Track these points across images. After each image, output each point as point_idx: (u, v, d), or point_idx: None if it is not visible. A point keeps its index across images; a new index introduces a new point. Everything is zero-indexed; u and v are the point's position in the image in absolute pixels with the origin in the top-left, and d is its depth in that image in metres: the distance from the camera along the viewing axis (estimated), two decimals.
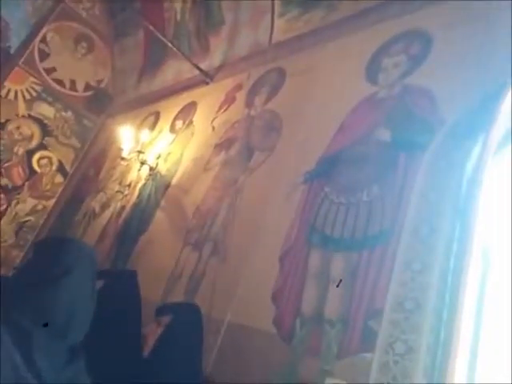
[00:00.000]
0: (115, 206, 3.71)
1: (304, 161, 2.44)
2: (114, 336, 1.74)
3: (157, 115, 4.17)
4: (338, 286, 1.83)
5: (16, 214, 4.24)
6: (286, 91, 2.98)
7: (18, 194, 4.31)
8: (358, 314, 1.74)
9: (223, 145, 3.16)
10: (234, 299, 2.21)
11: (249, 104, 3.20)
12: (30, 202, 4.33)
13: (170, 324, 1.75)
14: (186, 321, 1.78)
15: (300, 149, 2.54)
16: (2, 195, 4.21)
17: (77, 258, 1.13)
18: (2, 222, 4.12)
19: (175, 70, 4.29)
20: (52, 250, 1.14)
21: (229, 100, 3.41)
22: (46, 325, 1.01)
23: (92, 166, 4.56)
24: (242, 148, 2.99)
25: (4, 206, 4.20)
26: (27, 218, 4.26)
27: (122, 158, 3.66)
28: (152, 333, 1.78)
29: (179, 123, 3.78)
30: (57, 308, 1.03)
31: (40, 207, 4.35)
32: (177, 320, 1.76)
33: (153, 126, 4.04)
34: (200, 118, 3.62)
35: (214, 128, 3.39)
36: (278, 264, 2.14)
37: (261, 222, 2.41)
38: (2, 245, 3.84)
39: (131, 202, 3.55)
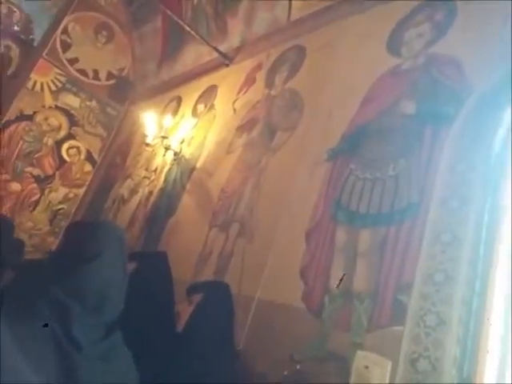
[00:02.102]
0: (143, 191, 3.79)
1: (327, 138, 2.42)
2: (148, 314, 1.81)
3: (179, 100, 4.20)
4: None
5: (49, 202, 4.40)
6: (306, 69, 2.94)
7: (50, 183, 4.46)
8: (387, 288, 1.73)
9: (245, 126, 3.17)
10: (263, 277, 2.24)
11: (269, 84, 3.18)
12: (62, 191, 4.48)
13: (202, 301, 1.80)
14: (217, 298, 1.83)
15: (323, 126, 2.52)
16: (35, 185, 4.37)
17: (106, 240, 1.17)
18: (36, 210, 4.30)
19: (194, 54, 4.29)
20: (82, 233, 1.19)
21: (249, 81, 3.40)
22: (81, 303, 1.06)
23: (118, 153, 4.66)
24: (263, 129, 2.99)
25: (37, 196, 4.37)
26: (60, 206, 4.42)
27: (147, 144, 3.72)
28: (184, 310, 1.84)
29: (201, 107, 3.80)
30: (91, 287, 1.08)
31: (71, 195, 4.50)
32: (208, 297, 1.81)
33: (175, 111, 4.08)
34: (221, 100, 3.63)
35: (235, 110, 3.39)
36: (304, 241, 2.15)
37: (286, 201, 2.42)
38: (38, 232, 4.00)
39: (158, 187, 3.62)
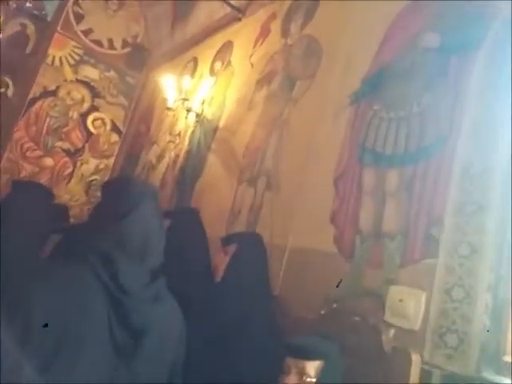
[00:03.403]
0: (169, 155, 3.86)
1: (348, 82, 2.37)
2: (187, 267, 1.91)
3: (195, 61, 4.16)
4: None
5: (82, 174, 4.57)
6: (322, 13, 2.84)
7: (80, 155, 4.60)
8: (417, 223, 1.74)
9: (264, 80, 3.13)
10: (294, 225, 2.29)
11: (285, 33, 3.10)
12: (93, 162, 4.63)
13: (236, 251, 1.87)
14: (251, 246, 1.90)
15: (343, 70, 2.46)
16: (67, 158, 4.53)
17: (141, 193, 1.24)
18: (71, 183, 4.48)
19: (206, 11, 4.20)
20: (117, 189, 1.26)
21: (264, 32, 3.32)
22: (124, 253, 1.13)
23: (142, 121, 4.72)
24: (283, 80, 2.95)
25: (70, 169, 4.53)
26: (93, 178, 4.58)
27: (168, 109, 3.75)
28: (221, 261, 1.92)
29: (218, 65, 3.76)
30: (131, 238, 1.15)
31: (102, 166, 4.64)
32: (242, 247, 1.88)
33: (193, 73, 4.06)
34: (238, 56, 3.58)
35: (252, 64, 3.34)
36: (332, 186, 2.17)
37: (311, 149, 2.42)
38: (75, 203, 4.19)
39: (183, 150, 3.67)
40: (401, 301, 1.64)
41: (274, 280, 2.12)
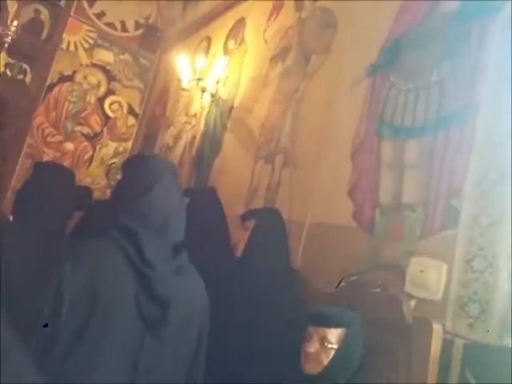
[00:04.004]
0: (186, 136, 3.88)
1: (364, 54, 2.32)
2: (207, 243, 1.94)
3: (208, 40, 4.13)
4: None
5: (102, 158, 4.65)
6: None
7: (99, 139, 4.67)
8: (438, 195, 1.73)
9: (278, 56, 3.09)
10: (312, 201, 2.30)
11: (298, 6, 3.04)
12: (112, 146, 4.70)
13: (256, 227, 1.90)
14: (269, 221, 1.92)
15: (358, 42, 2.41)
16: (87, 142, 4.60)
17: (161, 169, 1.26)
18: (92, 166, 4.57)
19: None
20: (139, 165, 1.28)
21: (277, 7, 3.26)
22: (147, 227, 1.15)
23: (158, 103, 4.74)
24: (297, 55, 2.91)
25: (90, 153, 4.62)
26: (112, 161, 4.65)
27: (183, 89, 3.75)
28: (240, 237, 1.95)
29: (231, 43, 3.73)
30: (153, 212, 1.18)
31: (121, 149, 4.70)
32: (261, 222, 1.90)
33: (207, 52, 4.03)
34: (251, 33, 3.53)
35: (266, 41, 3.30)
36: (350, 161, 2.16)
37: (327, 124, 2.40)
38: (97, 186, 4.27)
39: (200, 131, 3.69)
40: (422, 272, 1.64)
41: (294, 255, 2.14)
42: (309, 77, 2.72)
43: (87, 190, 2.29)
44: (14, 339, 0.77)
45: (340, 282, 1.90)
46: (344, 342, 1.31)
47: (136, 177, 1.23)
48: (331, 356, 1.30)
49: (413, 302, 1.61)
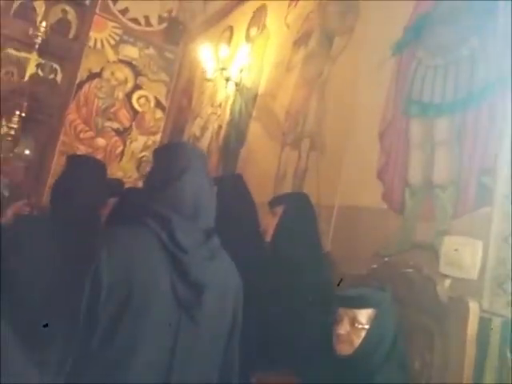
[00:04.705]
0: (212, 126, 3.92)
1: (389, 32, 2.26)
2: (236, 230, 1.96)
3: (230, 29, 4.13)
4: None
5: (132, 152, 4.76)
6: None
7: (129, 134, 4.78)
8: (470, 172, 1.68)
9: (301, 40, 3.06)
10: (340, 184, 2.28)
11: None
12: (141, 140, 4.80)
13: (284, 211, 1.90)
14: (298, 205, 1.92)
15: (382, 22, 2.35)
16: (117, 137, 4.73)
17: (190, 156, 1.27)
18: (123, 161, 4.70)
19: None
20: (169, 153, 1.30)
21: None
22: (178, 213, 1.18)
23: (183, 95, 4.80)
24: (320, 38, 2.87)
25: (121, 147, 4.74)
26: (142, 154, 4.76)
27: (208, 80, 3.77)
28: (270, 222, 1.96)
29: (253, 31, 3.71)
30: (184, 198, 1.19)
31: (150, 142, 4.80)
32: (289, 207, 1.91)
33: (229, 41, 4.04)
34: (272, 19, 3.50)
35: (288, 26, 3.26)
36: (378, 142, 2.12)
37: (353, 106, 2.36)
38: (129, 180, 4.37)
39: (225, 120, 3.71)
40: (456, 251, 1.61)
41: (324, 239, 2.14)
42: (332, 59, 2.68)
43: (119, 181, 2.36)
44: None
45: (371, 264, 1.89)
46: (374, 322, 1.31)
47: (167, 164, 1.24)
48: (362, 337, 1.30)
49: (447, 282, 1.58)
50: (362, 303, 1.32)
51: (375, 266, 1.86)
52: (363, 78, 2.37)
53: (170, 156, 1.26)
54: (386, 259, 1.83)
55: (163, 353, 1.10)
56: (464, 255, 1.58)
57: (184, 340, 1.12)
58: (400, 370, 1.33)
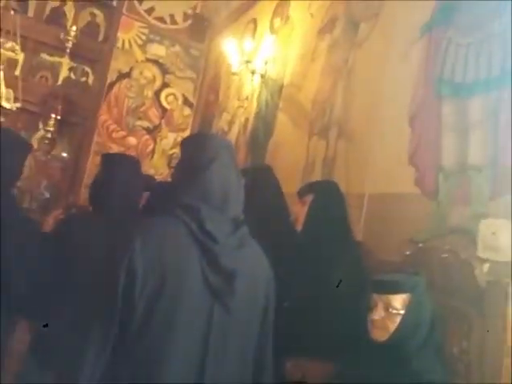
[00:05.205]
0: (239, 120, 3.94)
1: (417, 15, 2.20)
2: (266, 221, 1.96)
3: (254, 22, 4.12)
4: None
5: (163, 149, 4.86)
6: None
7: (159, 131, 4.88)
8: (506, 153, 1.61)
9: (326, 28, 3.02)
10: (370, 171, 2.25)
11: None
12: (171, 137, 4.89)
13: (314, 199, 1.89)
14: (327, 193, 1.91)
15: (409, 4, 2.29)
16: (148, 136, 4.84)
17: (218, 146, 1.28)
18: (154, 158, 4.80)
19: None
20: (196, 143, 1.31)
21: None
22: (207, 203, 1.19)
23: (210, 91, 4.84)
24: (345, 25, 2.82)
25: (152, 145, 4.85)
26: (173, 151, 4.85)
27: (233, 73, 3.79)
28: (299, 212, 1.96)
29: (277, 22, 3.69)
30: (213, 188, 1.20)
31: (179, 139, 4.84)
32: (319, 195, 1.89)
33: (253, 34, 4.03)
34: (296, 9, 3.47)
35: (312, 15, 3.23)
36: (408, 126, 2.07)
37: (381, 91, 2.31)
38: (160, 177, 4.45)
39: (252, 113, 3.72)
40: (494, 234, 1.56)
41: (356, 227, 2.12)
42: (358, 46, 2.63)
43: (151, 177, 2.43)
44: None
45: (405, 251, 1.85)
46: (409, 308, 1.29)
47: (194, 155, 1.25)
48: (397, 322, 1.28)
49: (486, 266, 1.54)
50: (395, 288, 1.31)
51: (408, 252, 1.83)
52: (390, 62, 2.31)
53: (198, 146, 1.27)
54: (421, 245, 1.80)
55: (198, 340, 1.11)
56: (502, 238, 1.52)
57: (217, 327, 1.13)
58: (437, 356, 1.31)
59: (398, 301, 1.29)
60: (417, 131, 2.04)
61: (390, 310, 1.29)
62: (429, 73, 2.05)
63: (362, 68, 2.56)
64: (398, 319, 1.28)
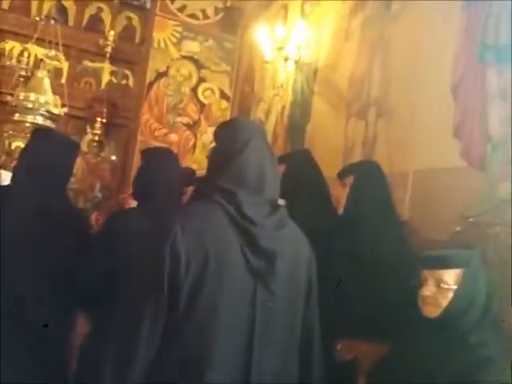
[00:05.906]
0: (276, 109, 3.92)
1: None
2: (309, 204, 1.95)
3: (285, 8, 4.08)
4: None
5: (203, 143, 4.95)
6: None
7: (199, 127, 4.97)
8: None
9: (358, 6, 2.93)
10: (413, 148, 2.17)
11: None
12: (210, 131, 4.94)
13: (355, 181, 1.85)
14: (368, 174, 1.86)
15: None
16: (188, 132, 4.94)
17: (249, 130, 1.28)
18: (195, 153, 4.90)
19: None
20: (228, 129, 1.32)
21: None
22: (243, 187, 1.20)
23: (245, 82, 4.85)
24: (378, 1, 2.72)
25: (193, 140, 4.95)
26: (212, 145, 4.90)
27: (267, 62, 3.77)
28: (340, 194, 1.93)
29: (307, 6, 3.63)
30: (248, 171, 1.20)
31: None
32: (359, 175, 1.85)
33: (284, 21, 3.99)
34: None
35: None
36: (451, 98, 1.98)
37: (419, 65, 2.22)
38: (203, 171, 4.49)
39: (288, 100, 3.69)
40: None
41: (401, 206, 2.06)
42: (393, 20, 2.53)
43: (191, 170, 2.49)
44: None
45: (455, 227, 1.78)
46: (463, 282, 1.23)
47: (227, 140, 1.26)
48: (450, 297, 1.24)
49: None
50: (447, 263, 1.25)
51: (459, 228, 1.76)
52: (428, 33, 2.21)
53: (230, 132, 1.28)
54: (471, 220, 1.71)
55: (243, 322, 1.13)
56: None
57: (261, 308, 1.14)
58: (495, 332, 1.25)
59: (451, 275, 1.24)
60: (461, 101, 1.94)
61: (442, 285, 1.24)
62: (470, 39, 1.94)
63: (398, 42, 2.47)
64: (450, 295, 1.24)
